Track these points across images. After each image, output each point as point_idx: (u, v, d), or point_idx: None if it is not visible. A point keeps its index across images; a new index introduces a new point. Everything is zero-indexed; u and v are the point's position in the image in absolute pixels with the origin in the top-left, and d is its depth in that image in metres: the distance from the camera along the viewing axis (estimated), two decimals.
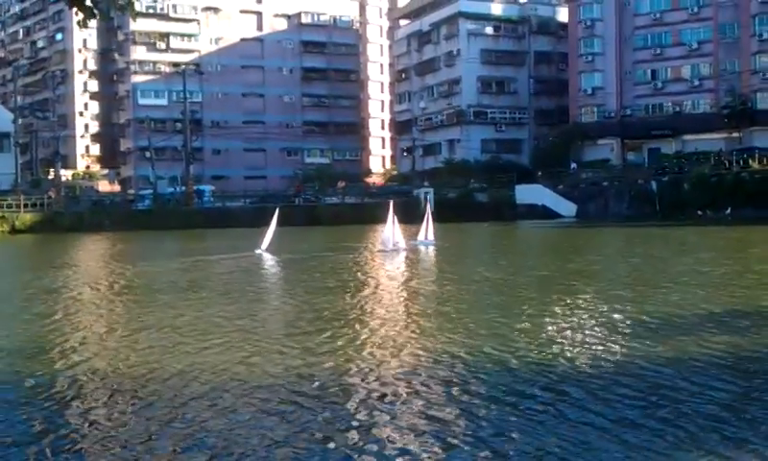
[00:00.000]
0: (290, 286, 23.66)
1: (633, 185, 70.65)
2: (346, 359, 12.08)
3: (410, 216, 69.97)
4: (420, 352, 12.42)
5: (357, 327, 15.21)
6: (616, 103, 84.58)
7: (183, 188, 78.63)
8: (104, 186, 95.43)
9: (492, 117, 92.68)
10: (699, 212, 60.66)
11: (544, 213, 69.56)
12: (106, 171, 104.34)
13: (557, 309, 16.62)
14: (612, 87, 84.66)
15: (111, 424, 9.05)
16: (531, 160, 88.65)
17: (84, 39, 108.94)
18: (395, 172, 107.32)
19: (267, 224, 37.38)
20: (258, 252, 35.17)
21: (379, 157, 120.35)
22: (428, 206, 35.26)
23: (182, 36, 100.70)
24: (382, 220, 67.68)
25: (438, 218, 50.88)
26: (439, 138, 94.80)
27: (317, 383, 10.56)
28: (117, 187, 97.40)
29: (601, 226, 56.68)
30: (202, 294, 21.16)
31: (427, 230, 36.09)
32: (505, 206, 71.45)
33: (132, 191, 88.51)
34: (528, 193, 73.16)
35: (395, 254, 32.68)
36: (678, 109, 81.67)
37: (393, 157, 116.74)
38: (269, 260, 32.85)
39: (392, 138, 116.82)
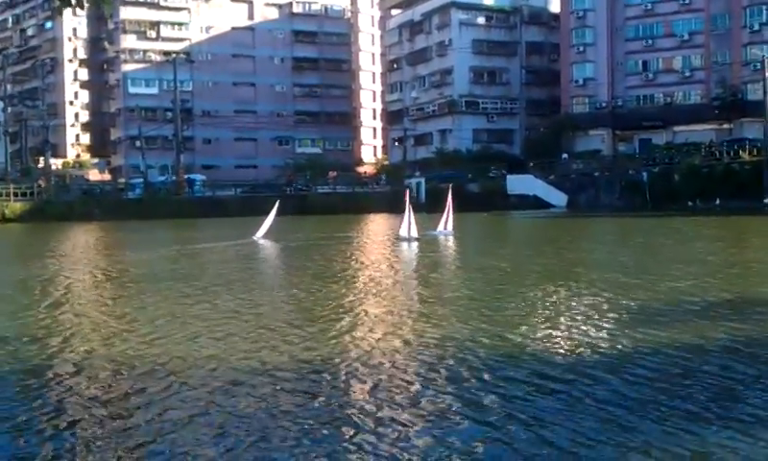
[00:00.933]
0: (300, 272, 23.81)
1: (623, 176, 70.82)
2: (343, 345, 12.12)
3: (401, 207, 70.59)
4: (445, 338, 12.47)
5: (361, 315, 15.24)
6: (608, 93, 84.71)
7: (174, 177, 78.49)
8: (94, 175, 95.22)
9: (484, 107, 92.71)
10: (689, 203, 60.90)
11: (536, 203, 69.69)
12: (96, 160, 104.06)
13: (565, 298, 16.70)
14: (603, 78, 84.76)
15: (109, 410, 9.04)
16: (522, 151, 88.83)
17: (73, 28, 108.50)
18: (386, 162, 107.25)
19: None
20: (256, 239, 35.78)
21: (371, 147, 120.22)
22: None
23: (173, 24, 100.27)
24: (374, 210, 68.42)
25: (429, 208, 51.07)
26: (430, 128, 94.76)
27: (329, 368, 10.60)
28: (108, 176, 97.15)
29: (593, 216, 56.85)
30: (202, 282, 21.07)
31: (447, 220, 35.91)
32: (497, 196, 71.55)
33: (122, 180, 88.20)
34: (519, 183, 73.29)
35: (412, 242, 32.59)
36: (669, 99, 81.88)
37: (384, 147, 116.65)
38: (268, 248, 33.16)
39: (383, 128, 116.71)
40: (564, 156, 79.52)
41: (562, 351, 11.67)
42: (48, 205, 68.49)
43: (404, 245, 32.21)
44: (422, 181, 75.59)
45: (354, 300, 17.46)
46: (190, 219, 62.01)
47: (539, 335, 12.73)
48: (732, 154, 66.54)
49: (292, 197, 73.16)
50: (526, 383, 9.71)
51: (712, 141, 72.73)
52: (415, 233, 33.66)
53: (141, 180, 79.67)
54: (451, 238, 35.04)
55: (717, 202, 59.45)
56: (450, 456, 7.39)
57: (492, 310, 15.21)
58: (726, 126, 76.51)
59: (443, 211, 36.14)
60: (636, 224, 47.08)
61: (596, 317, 14.17)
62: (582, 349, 11.66)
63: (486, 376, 10.11)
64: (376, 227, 51.31)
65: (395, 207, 70.07)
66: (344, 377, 10.36)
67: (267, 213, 38.01)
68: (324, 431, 8.15)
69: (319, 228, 46.10)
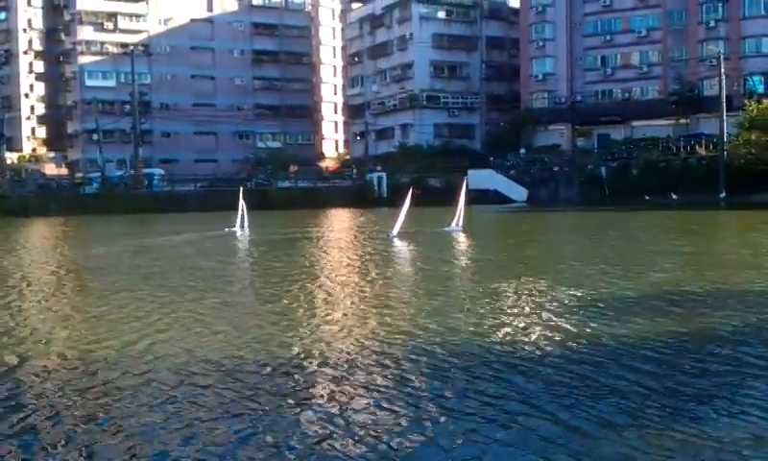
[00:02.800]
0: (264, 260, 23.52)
1: (582, 171, 71.59)
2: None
3: (362, 201, 70.60)
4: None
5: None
6: (567, 89, 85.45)
7: (132, 172, 77.56)
8: (50, 169, 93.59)
9: (445, 102, 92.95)
10: (647, 197, 61.67)
11: (497, 198, 70.05)
12: (52, 154, 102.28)
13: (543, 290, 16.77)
14: (562, 73, 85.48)
15: (58, 407, 8.88)
16: (483, 145, 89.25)
17: (29, 19, 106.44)
18: (348, 156, 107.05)
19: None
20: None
21: (332, 142, 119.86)
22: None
23: (131, 16, 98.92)
24: (336, 204, 68.28)
25: (391, 203, 51.04)
26: (392, 123, 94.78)
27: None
28: (64, 170, 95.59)
29: (554, 210, 57.39)
30: (177, 277, 20.82)
31: (459, 217, 35.47)
32: (457, 191, 71.58)
33: (79, 175, 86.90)
34: (480, 178, 73.40)
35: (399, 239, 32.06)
36: (627, 95, 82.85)
37: (346, 142, 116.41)
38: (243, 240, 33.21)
39: (345, 122, 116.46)
40: (522, 150, 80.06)
41: (543, 342, 11.69)
42: (3, 199, 67.22)
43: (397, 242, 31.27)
44: (384, 175, 75.61)
45: (328, 295, 17.41)
46: (148, 214, 61.33)
47: (514, 326, 12.76)
48: (688, 149, 67.60)
49: (253, 192, 72.68)
50: (489, 373, 9.73)
51: (669, 136, 73.79)
52: (394, 231, 32.63)
53: (98, 174, 78.53)
54: (461, 234, 33.92)
55: (674, 196, 60.32)
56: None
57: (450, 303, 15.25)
58: (683, 121, 77.62)
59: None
60: (601, 218, 47.63)
61: (574, 308, 14.25)
62: (560, 337, 11.71)
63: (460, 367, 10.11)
64: (349, 223, 51.13)
65: (357, 202, 70.57)
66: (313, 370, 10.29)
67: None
68: (288, 428, 8.10)
69: (286, 222, 45.81)
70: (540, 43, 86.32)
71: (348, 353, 11.51)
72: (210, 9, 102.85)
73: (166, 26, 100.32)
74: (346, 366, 10.78)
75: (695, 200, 56.06)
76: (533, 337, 12.38)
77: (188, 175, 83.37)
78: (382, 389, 9.60)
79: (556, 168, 73.58)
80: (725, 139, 62.07)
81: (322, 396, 9.47)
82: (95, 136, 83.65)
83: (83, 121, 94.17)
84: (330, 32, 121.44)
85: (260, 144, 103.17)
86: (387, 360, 11.05)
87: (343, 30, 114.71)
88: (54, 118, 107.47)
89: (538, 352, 11.40)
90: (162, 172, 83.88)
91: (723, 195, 58.95)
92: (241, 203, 39.75)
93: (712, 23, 77.06)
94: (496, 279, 19.39)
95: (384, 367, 10.69)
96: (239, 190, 43.12)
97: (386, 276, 21.16)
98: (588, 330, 12.71)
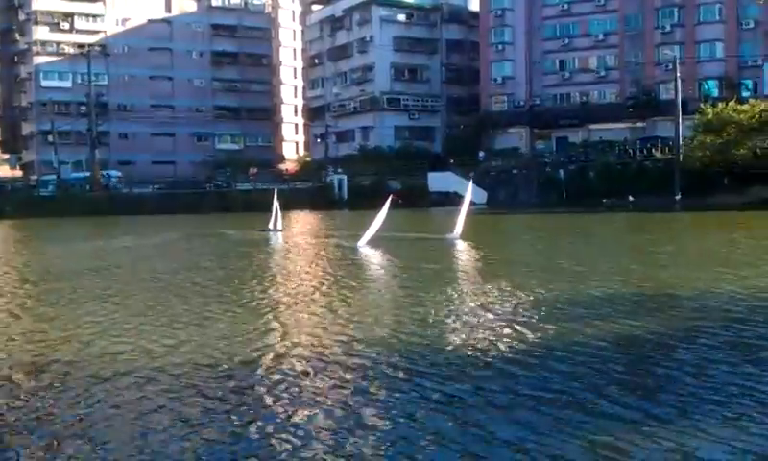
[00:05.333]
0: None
1: (541, 173, 72.16)
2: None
3: (323, 204, 70.39)
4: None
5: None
6: (526, 92, 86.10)
7: (88, 174, 76.50)
8: (4, 171, 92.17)
9: (406, 104, 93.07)
10: (604, 200, 62.31)
11: (456, 201, 70.13)
12: (6, 155, 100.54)
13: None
14: (521, 77, 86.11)
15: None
16: (443, 148, 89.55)
17: None
18: (308, 159, 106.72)
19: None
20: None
21: (292, 144, 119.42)
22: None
23: (87, 16, 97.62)
24: (296, 207, 68.00)
25: (352, 206, 50.98)
26: (352, 125, 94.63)
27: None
28: (19, 172, 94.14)
29: (512, 212, 57.76)
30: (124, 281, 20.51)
31: (459, 224, 31.51)
32: (418, 194, 71.98)
33: (34, 177, 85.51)
34: (440, 181, 73.85)
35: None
36: (585, 98, 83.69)
37: (306, 144, 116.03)
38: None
39: (305, 125, 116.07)
40: (481, 153, 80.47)
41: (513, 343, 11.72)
42: None
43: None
44: (344, 178, 75.49)
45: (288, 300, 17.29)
46: (106, 217, 60.56)
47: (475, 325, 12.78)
48: (645, 152, 68.47)
49: (211, 194, 72.26)
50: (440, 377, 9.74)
51: (626, 140, 74.72)
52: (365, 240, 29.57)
53: (54, 176, 77.34)
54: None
55: (631, 199, 61.05)
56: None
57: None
58: (639, 125, 78.63)
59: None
60: (559, 220, 48.14)
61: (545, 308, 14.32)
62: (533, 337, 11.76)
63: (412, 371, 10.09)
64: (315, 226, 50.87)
65: (317, 205, 70.36)
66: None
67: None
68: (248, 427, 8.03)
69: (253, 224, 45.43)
70: (500, 47, 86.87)
71: (300, 361, 11.44)
72: (169, 9, 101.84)
73: (123, 26, 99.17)
74: (300, 374, 10.72)
75: (651, 202, 56.84)
76: (491, 340, 12.42)
77: (146, 177, 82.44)
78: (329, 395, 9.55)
79: (514, 171, 74.08)
80: (680, 143, 62.99)
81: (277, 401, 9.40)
82: (51, 138, 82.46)
83: (38, 122, 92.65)
84: (290, 33, 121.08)
85: (219, 146, 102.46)
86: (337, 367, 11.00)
87: (303, 32, 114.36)
88: (8, 119, 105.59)
89: (493, 354, 11.43)
90: (119, 173, 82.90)
91: (678, 197, 59.79)
92: (275, 204, 39.08)
93: (668, 28, 78.21)
94: (455, 281, 19.43)
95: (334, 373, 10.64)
96: (273, 192, 41.45)
97: (349, 286, 21.10)
98: (549, 332, 12.79)
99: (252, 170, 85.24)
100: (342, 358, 11.39)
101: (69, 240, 38.18)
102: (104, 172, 77.22)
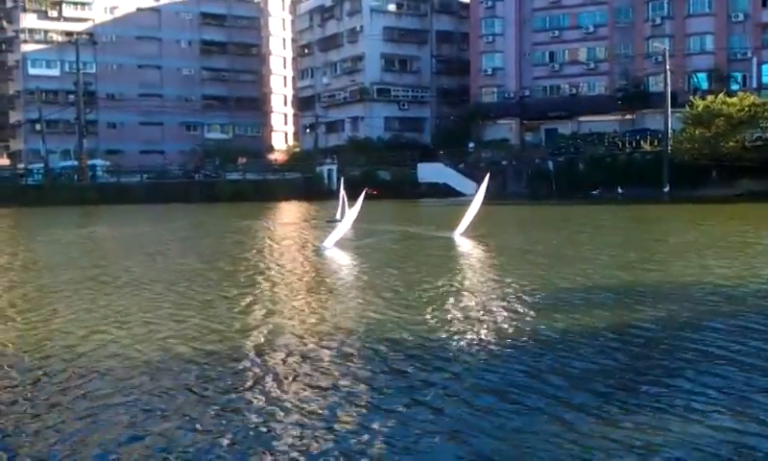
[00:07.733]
0: None
1: (530, 165, 72.26)
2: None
3: (312, 194, 70.24)
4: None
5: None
6: (515, 84, 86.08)
7: (76, 163, 76.14)
8: None
9: (396, 95, 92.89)
10: (593, 192, 62.50)
11: (446, 192, 70.30)
12: None
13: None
14: (511, 68, 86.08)
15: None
16: (433, 139, 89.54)
17: None
18: (297, 149, 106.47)
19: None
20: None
21: (282, 134, 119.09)
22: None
23: (75, 4, 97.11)
24: (285, 197, 67.87)
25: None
26: (342, 115, 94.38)
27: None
28: (6, 161, 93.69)
29: (501, 204, 57.64)
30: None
31: (468, 221, 30.85)
32: (407, 185, 72.01)
33: (21, 166, 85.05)
34: (430, 171, 73.92)
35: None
36: (574, 90, 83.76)
37: (296, 134, 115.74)
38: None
39: (294, 115, 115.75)
40: (471, 144, 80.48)
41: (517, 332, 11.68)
42: None
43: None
44: (334, 168, 75.34)
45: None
46: (95, 206, 60.32)
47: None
48: (634, 144, 68.58)
49: (199, 183, 72.02)
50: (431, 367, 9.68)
51: (615, 132, 74.93)
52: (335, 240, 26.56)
53: (42, 165, 76.91)
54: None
55: (620, 190, 61.22)
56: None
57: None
58: (628, 117, 78.80)
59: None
60: (549, 212, 48.12)
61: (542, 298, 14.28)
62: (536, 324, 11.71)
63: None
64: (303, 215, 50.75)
65: (305, 195, 70.20)
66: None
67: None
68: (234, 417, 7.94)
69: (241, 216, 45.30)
70: (490, 38, 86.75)
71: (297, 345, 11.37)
72: None
73: (112, 15, 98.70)
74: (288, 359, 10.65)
75: (640, 194, 56.98)
76: (480, 332, 12.37)
77: (134, 166, 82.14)
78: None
79: (504, 162, 74.12)
80: (669, 135, 63.13)
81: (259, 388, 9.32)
82: (38, 127, 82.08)
83: (25, 111, 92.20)
84: (280, 23, 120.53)
85: (208, 135, 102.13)
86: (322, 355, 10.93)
87: (293, 21, 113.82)
88: None
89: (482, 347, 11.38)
90: (106, 163, 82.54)
91: (667, 189, 59.97)
92: (342, 193, 37.86)
93: (658, 20, 78.28)
94: (447, 273, 19.38)
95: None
96: (339, 180, 39.83)
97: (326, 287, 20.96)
98: (543, 321, 12.76)
99: (241, 160, 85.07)
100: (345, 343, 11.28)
101: (62, 227, 37.89)
102: (89, 162, 76.73)
